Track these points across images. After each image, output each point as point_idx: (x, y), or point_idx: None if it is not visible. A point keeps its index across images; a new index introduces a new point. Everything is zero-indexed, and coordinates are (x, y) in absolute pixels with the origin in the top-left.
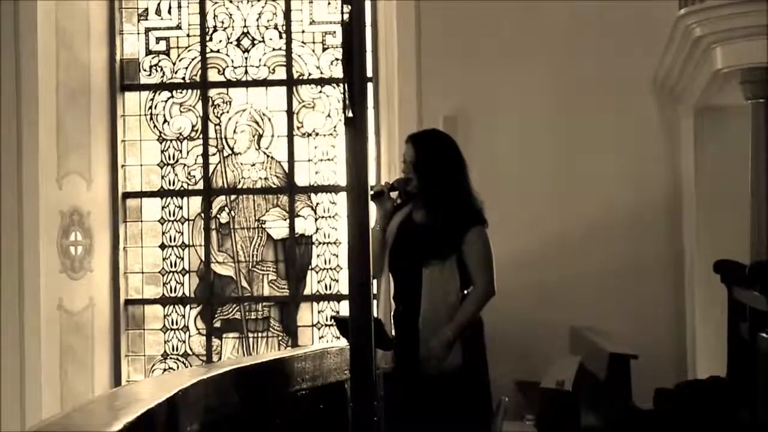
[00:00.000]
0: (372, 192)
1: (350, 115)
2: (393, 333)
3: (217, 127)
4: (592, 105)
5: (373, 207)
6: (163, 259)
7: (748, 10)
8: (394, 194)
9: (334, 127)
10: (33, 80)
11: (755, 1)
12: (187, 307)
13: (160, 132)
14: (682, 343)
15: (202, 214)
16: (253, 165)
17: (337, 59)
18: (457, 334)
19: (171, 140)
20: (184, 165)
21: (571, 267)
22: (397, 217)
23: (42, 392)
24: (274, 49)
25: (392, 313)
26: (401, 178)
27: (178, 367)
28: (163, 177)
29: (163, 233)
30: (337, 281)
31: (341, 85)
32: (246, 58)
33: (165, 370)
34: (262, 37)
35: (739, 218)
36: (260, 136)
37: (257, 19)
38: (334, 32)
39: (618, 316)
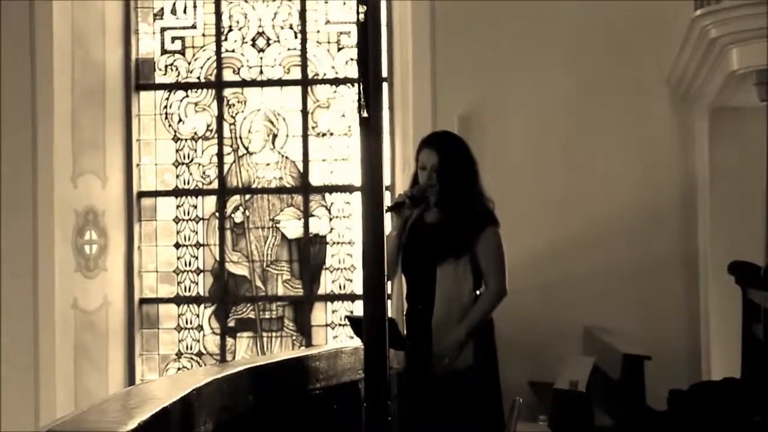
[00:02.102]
0: (391, 204)
1: (365, 115)
2: (405, 333)
3: (232, 126)
4: (606, 105)
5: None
6: (178, 259)
7: (764, 12)
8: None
9: (349, 127)
10: (48, 79)
11: None
12: (202, 306)
13: (175, 131)
14: (696, 344)
15: (217, 214)
16: (268, 165)
17: (352, 59)
18: (469, 333)
19: (186, 140)
20: (199, 164)
21: (584, 267)
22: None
23: (56, 391)
24: (289, 49)
25: (404, 313)
26: (421, 187)
27: (192, 366)
28: (177, 176)
29: (178, 232)
30: (351, 281)
31: (356, 85)
32: (261, 58)
33: (179, 369)
34: (277, 37)
35: (753, 219)
36: (275, 136)
37: (272, 19)
38: (350, 32)
39: (632, 317)
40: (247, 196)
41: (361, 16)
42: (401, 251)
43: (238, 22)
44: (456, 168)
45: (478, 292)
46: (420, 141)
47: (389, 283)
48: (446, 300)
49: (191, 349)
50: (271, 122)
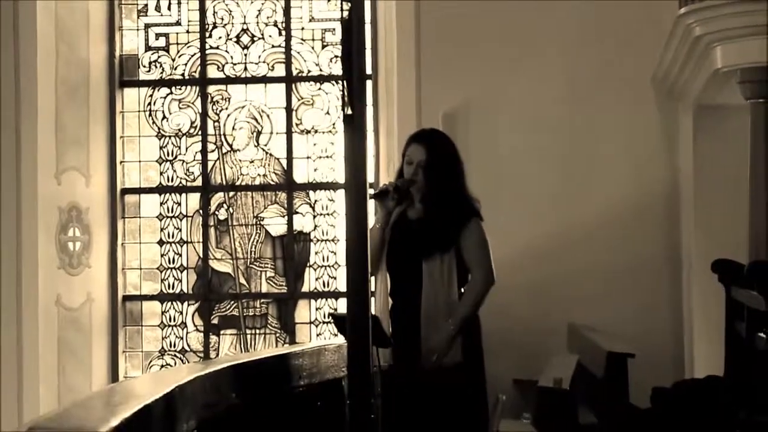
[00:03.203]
0: (376, 191)
1: (349, 112)
2: (390, 329)
3: (216, 123)
4: (591, 103)
5: (372, 204)
6: (161, 256)
7: (748, 10)
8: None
9: (333, 124)
10: (32, 76)
11: (755, 1)
12: (185, 303)
13: (159, 128)
14: (679, 343)
15: (201, 211)
16: (252, 162)
17: (336, 56)
18: (458, 328)
19: (170, 137)
20: (183, 161)
21: (569, 265)
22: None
23: (39, 388)
24: (273, 46)
25: (389, 309)
26: (406, 180)
27: (175, 364)
28: (161, 173)
29: (162, 230)
30: (335, 278)
31: (340, 82)
32: (245, 55)
33: (162, 366)
34: (262, 34)
35: (737, 217)
36: (259, 133)
37: (257, 16)
38: (334, 29)
39: (616, 315)
40: (231, 194)
41: (345, 13)
42: (386, 245)
43: (222, 19)
44: (442, 165)
45: (462, 290)
46: (408, 137)
47: (373, 277)
48: (432, 295)
49: (175, 346)
50: (255, 119)
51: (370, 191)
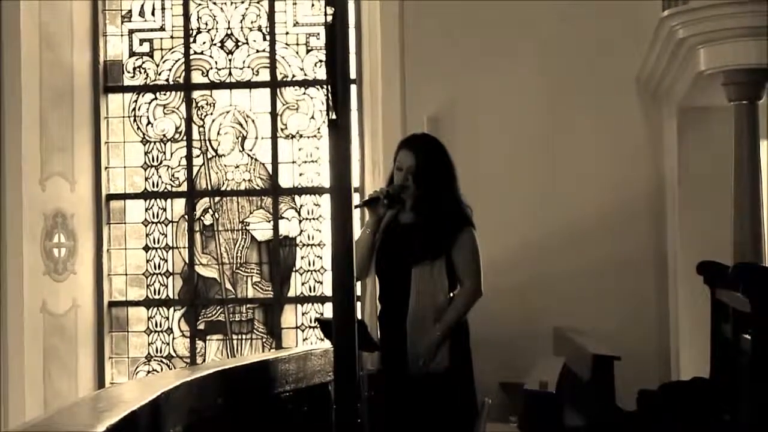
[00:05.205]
0: (366, 199)
1: (334, 116)
2: (379, 334)
3: (201, 128)
4: (575, 105)
5: (359, 210)
6: (147, 261)
7: (731, 12)
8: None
9: (318, 128)
10: (16, 82)
11: (739, 3)
12: (171, 309)
13: (144, 134)
14: (665, 345)
15: (186, 216)
16: (237, 167)
17: (320, 61)
18: (445, 334)
19: (155, 142)
20: (168, 167)
21: (554, 268)
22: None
23: (25, 394)
24: (257, 51)
25: (378, 314)
26: (397, 186)
27: (161, 370)
28: (146, 179)
29: (147, 235)
30: (321, 283)
31: (325, 86)
32: (230, 60)
33: (149, 372)
34: (246, 39)
35: (722, 219)
36: (244, 138)
37: (241, 21)
38: (318, 34)
39: (601, 318)
40: (217, 199)
41: (329, 17)
42: (375, 251)
43: (206, 24)
44: (431, 171)
45: (452, 295)
46: (399, 141)
47: (360, 282)
48: (421, 301)
49: (161, 352)
50: (240, 124)
51: (357, 197)
